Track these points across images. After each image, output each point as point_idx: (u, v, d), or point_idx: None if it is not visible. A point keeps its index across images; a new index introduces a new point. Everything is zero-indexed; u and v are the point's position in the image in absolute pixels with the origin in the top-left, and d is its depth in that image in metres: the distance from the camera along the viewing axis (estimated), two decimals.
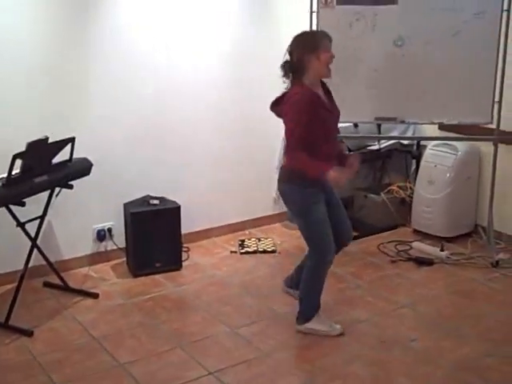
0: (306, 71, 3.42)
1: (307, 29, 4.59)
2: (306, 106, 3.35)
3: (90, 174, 4.20)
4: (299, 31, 4.78)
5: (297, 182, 3.52)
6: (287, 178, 3.61)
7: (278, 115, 3.54)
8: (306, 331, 3.75)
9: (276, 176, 5.39)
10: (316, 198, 3.55)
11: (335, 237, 3.66)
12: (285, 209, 5.59)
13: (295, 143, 3.38)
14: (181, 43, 4.78)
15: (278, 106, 3.54)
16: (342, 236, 3.76)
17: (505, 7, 4.40)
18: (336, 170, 3.34)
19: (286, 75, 3.48)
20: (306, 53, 3.40)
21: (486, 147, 4.94)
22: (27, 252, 3.98)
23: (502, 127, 4.61)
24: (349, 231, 3.87)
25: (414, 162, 5.62)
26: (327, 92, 3.61)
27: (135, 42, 4.57)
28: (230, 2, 4.96)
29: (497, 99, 4.54)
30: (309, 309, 3.77)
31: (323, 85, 3.59)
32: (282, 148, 5.44)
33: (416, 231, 5.31)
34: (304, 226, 3.66)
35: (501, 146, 4.70)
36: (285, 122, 3.44)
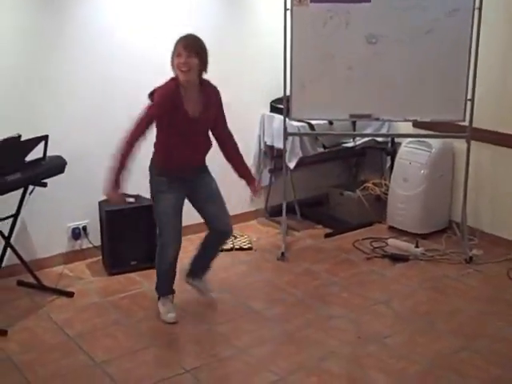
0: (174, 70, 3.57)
1: (281, 27, 4.63)
2: (159, 99, 3.52)
3: (65, 172, 4.18)
4: (275, 29, 4.86)
5: (151, 168, 3.74)
6: (149, 165, 3.77)
7: None
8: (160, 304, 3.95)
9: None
10: (163, 186, 3.66)
11: (212, 229, 3.88)
12: (261, 206, 5.66)
13: (135, 122, 3.53)
14: (155, 43, 4.76)
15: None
16: (219, 226, 3.87)
17: (477, 5, 4.44)
18: (111, 179, 3.55)
19: None
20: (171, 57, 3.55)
21: (460, 144, 4.99)
22: (0, 251, 3.93)
23: (474, 124, 4.66)
24: (227, 223, 3.90)
25: (388, 159, 5.65)
26: (209, 95, 3.65)
27: (110, 42, 4.55)
28: (204, 0, 4.95)
29: (469, 97, 4.59)
30: (157, 285, 3.95)
31: (208, 87, 3.66)
32: (256, 145, 5.47)
33: (391, 228, 5.35)
34: (154, 212, 3.81)
35: (473, 143, 4.75)
36: None
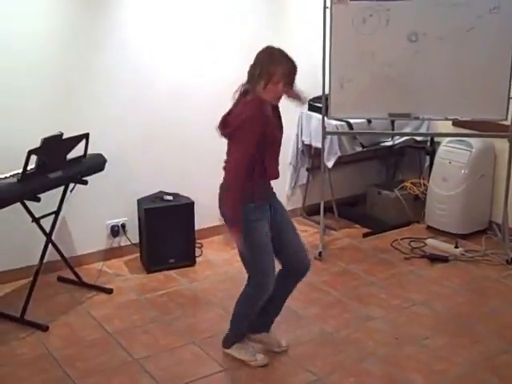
0: (263, 91, 3.11)
1: (320, 25, 4.60)
2: (257, 124, 3.06)
3: (104, 170, 4.23)
4: (313, 27, 4.84)
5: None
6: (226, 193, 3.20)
7: (224, 136, 3.22)
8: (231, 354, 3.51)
9: (288, 172, 5.45)
10: (253, 214, 3.17)
11: (290, 265, 3.35)
12: (298, 205, 5.64)
13: (239, 162, 3.09)
14: (195, 44, 4.78)
15: (225, 128, 3.20)
16: (298, 264, 3.37)
17: None
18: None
19: (248, 82, 3.19)
20: (258, 75, 3.11)
21: (501, 144, 4.91)
22: (42, 247, 3.99)
23: None
24: (305, 257, 3.40)
25: (427, 158, 5.59)
26: (275, 109, 3.27)
27: (149, 44, 4.59)
28: None
29: None
30: (234, 335, 3.49)
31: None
32: (294, 144, 5.46)
33: (430, 228, 5.29)
34: (243, 248, 3.19)
35: None
36: (233, 140, 3.16)
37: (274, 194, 3.40)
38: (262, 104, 3.11)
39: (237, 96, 3.23)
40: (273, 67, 3.08)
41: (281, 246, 3.32)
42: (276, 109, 3.29)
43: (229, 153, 3.21)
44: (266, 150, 3.15)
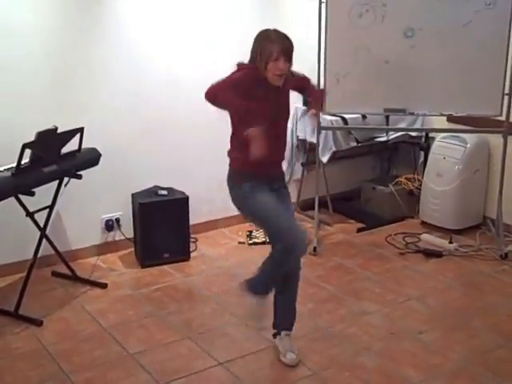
0: (265, 70, 3.15)
1: (316, 19, 4.59)
2: (241, 74, 3.19)
3: (99, 165, 4.21)
4: (308, 21, 4.83)
5: (231, 177, 3.32)
6: (227, 177, 3.34)
7: None
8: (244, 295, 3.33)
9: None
10: (249, 190, 3.21)
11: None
12: (293, 200, 5.60)
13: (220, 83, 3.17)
14: (191, 38, 4.77)
15: None
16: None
17: None
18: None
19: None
20: (256, 56, 3.17)
21: (496, 139, 4.91)
22: (36, 242, 3.98)
23: (511, 119, 4.59)
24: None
25: (422, 153, 5.59)
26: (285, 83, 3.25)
27: (146, 36, 4.58)
28: None
29: (507, 91, 4.51)
30: (259, 280, 3.30)
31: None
32: (289, 140, 5.45)
33: (424, 223, 5.30)
34: (252, 219, 3.47)
35: (510, 139, 4.67)
36: None
37: (280, 178, 3.45)
38: (247, 71, 3.19)
39: None
40: (270, 45, 3.13)
41: None
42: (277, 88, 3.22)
43: None
44: (241, 120, 3.16)
